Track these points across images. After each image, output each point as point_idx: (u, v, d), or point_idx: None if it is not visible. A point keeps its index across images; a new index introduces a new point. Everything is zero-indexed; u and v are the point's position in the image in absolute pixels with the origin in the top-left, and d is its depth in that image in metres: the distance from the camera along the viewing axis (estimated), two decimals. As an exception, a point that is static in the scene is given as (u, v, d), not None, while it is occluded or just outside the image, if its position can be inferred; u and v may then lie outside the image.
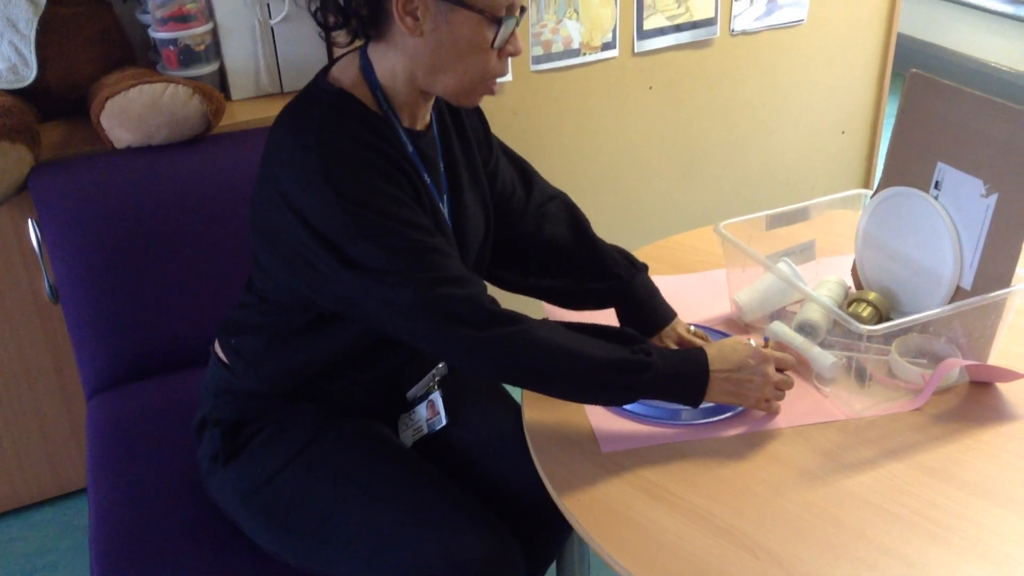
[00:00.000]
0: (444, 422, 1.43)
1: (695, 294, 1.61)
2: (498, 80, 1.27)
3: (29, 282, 1.94)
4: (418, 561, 1.24)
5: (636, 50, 2.45)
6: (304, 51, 2.11)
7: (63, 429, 2.10)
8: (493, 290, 1.30)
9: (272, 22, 2.07)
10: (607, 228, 2.14)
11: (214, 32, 2.04)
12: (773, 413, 1.33)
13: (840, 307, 1.47)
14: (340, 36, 1.27)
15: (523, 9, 1.24)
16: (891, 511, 1.16)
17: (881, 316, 1.44)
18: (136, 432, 1.61)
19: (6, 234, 1.87)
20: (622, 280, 1.47)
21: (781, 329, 1.41)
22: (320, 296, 1.26)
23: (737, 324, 1.55)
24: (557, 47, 2.34)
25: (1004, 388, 1.38)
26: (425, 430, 1.44)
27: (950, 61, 4.43)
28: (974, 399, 1.36)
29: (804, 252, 1.56)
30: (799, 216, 1.57)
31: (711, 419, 1.32)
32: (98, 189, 1.71)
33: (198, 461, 1.43)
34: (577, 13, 2.33)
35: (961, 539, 1.12)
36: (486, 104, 1.39)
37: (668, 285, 1.54)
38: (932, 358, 1.39)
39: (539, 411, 1.35)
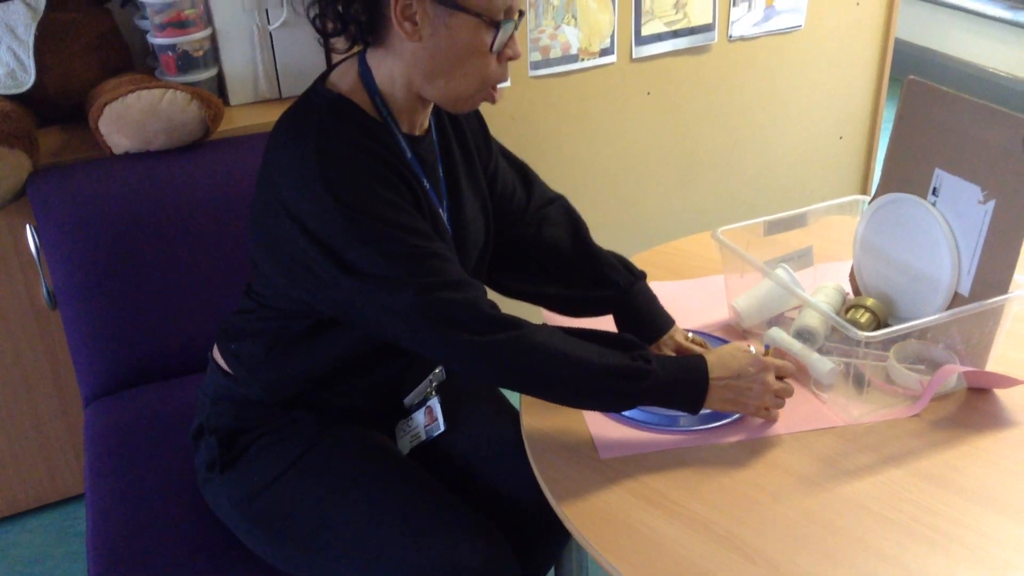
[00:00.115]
0: (442, 428, 1.43)
1: (693, 300, 1.61)
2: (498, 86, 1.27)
3: (27, 288, 1.93)
4: (414, 570, 1.24)
5: (634, 56, 2.45)
6: (303, 57, 2.11)
7: (61, 435, 2.09)
8: (492, 295, 1.30)
9: (271, 28, 2.07)
10: (605, 233, 2.14)
11: (212, 38, 2.04)
12: (771, 420, 1.33)
13: (838, 313, 1.47)
14: (339, 42, 1.27)
15: (521, 13, 1.24)
16: (889, 517, 1.16)
17: (879, 322, 1.44)
18: (134, 438, 1.61)
19: (4, 240, 1.87)
20: (621, 288, 1.46)
21: (779, 335, 1.41)
22: (319, 302, 1.26)
23: (735, 330, 1.55)
24: (555, 52, 2.34)
25: (1002, 394, 1.38)
26: (423, 436, 1.44)
27: (947, 66, 4.43)
28: (972, 405, 1.36)
29: (802, 258, 1.56)
30: (797, 222, 1.57)
31: (710, 425, 1.32)
32: (96, 195, 1.71)
33: (195, 468, 1.43)
34: (575, 19, 2.33)
35: (959, 545, 1.12)
36: (485, 109, 1.39)
37: (666, 291, 1.54)
38: (930, 364, 1.39)
39: (538, 417, 1.35)
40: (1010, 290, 1.33)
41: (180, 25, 1.97)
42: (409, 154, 1.28)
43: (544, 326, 1.24)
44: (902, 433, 1.31)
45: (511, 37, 1.23)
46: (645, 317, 1.46)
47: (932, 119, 1.41)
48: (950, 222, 1.39)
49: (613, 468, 1.26)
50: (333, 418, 1.39)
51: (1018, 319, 1.50)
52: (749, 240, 1.52)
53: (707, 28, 2.52)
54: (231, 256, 1.77)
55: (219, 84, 2.10)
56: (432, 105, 1.32)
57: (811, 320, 1.44)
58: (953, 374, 1.35)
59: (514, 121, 2.38)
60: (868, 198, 1.54)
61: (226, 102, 2.10)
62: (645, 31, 2.44)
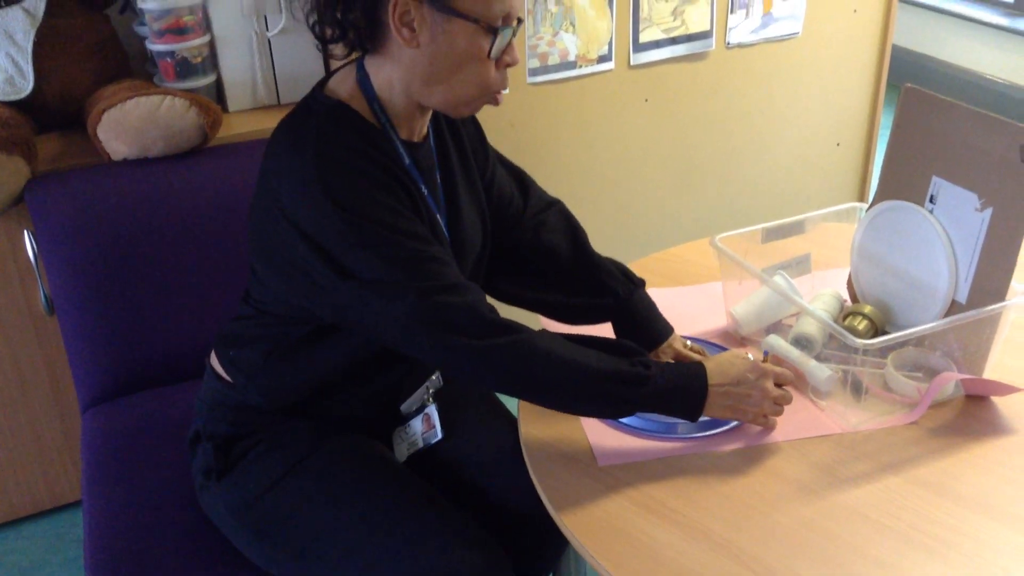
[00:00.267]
0: (440, 436, 1.43)
1: (691, 307, 1.61)
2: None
3: (25, 294, 1.93)
4: (410, 578, 1.24)
5: (632, 62, 2.46)
6: (301, 63, 2.11)
7: (57, 441, 2.09)
8: (491, 302, 1.30)
9: (269, 34, 2.07)
10: (603, 240, 2.14)
11: (211, 44, 2.04)
12: (770, 428, 1.33)
13: (836, 320, 1.47)
14: (337, 49, 1.27)
15: (520, 20, 1.24)
16: (887, 525, 1.16)
17: (877, 329, 1.44)
18: (131, 445, 1.60)
19: (2, 246, 1.87)
20: (620, 297, 1.46)
21: (777, 342, 1.41)
22: (318, 307, 1.26)
23: (733, 337, 1.55)
24: (553, 59, 2.35)
25: (1000, 402, 1.38)
26: (420, 444, 1.44)
27: (945, 73, 4.44)
28: (970, 413, 1.36)
29: (800, 265, 1.56)
30: (795, 229, 1.57)
31: (708, 433, 1.32)
32: (94, 201, 1.71)
33: (192, 475, 1.43)
34: (573, 26, 2.34)
35: (957, 553, 1.12)
36: (482, 115, 1.40)
37: (664, 298, 1.54)
38: (928, 372, 1.39)
39: (536, 425, 1.35)
40: (1007, 298, 1.34)
41: (179, 32, 1.97)
42: (407, 160, 1.28)
43: (544, 331, 1.24)
44: (900, 440, 1.31)
45: (509, 44, 1.23)
46: (644, 325, 1.46)
47: (929, 127, 1.41)
48: (947, 229, 1.39)
49: (611, 476, 1.25)
50: (330, 425, 1.39)
51: (1016, 326, 1.50)
52: (747, 247, 1.52)
53: (705, 35, 2.52)
54: (229, 262, 1.77)
55: (218, 90, 2.10)
56: (431, 112, 1.33)
57: (809, 327, 1.44)
58: (951, 381, 1.35)
59: (512, 128, 2.38)
60: (865, 205, 1.54)
61: (225, 108, 2.10)
62: (643, 38, 2.44)
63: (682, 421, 1.31)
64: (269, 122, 1.98)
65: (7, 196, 1.76)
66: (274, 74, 2.11)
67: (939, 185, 1.40)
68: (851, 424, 1.33)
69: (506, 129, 2.37)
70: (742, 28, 2.57)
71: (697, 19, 2.49)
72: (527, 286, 1.51)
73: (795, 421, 1.34)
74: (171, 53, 1.98)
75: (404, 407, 1.46)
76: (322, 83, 1.30)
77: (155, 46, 1.98)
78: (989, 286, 1.34)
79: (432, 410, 1.45)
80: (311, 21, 1.28)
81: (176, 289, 1.75)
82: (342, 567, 1.28)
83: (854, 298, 1.55)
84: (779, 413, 1.32)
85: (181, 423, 1.53)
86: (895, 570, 1.10)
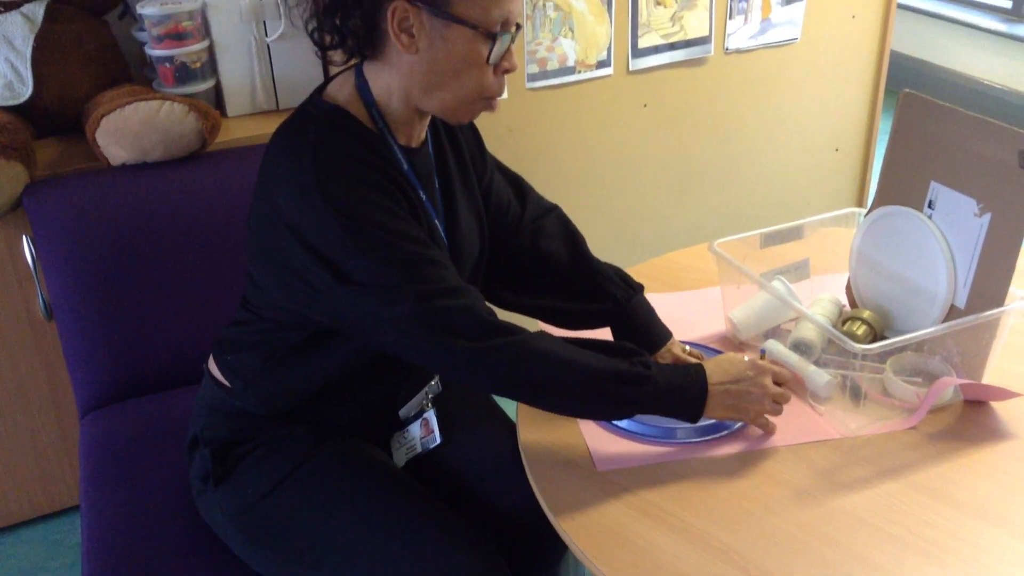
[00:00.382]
0: (438, 440, 1.43)
1: (689, 312, 1.61)
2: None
3: (23, 299, 1.93)
4: (408, 582, 1.24)
5: (631, 68, 2.46)
6: (300, 69, 2.12)
7: (56, 446, 2.09)
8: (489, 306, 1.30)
9: (268, 40, 2.07)
10: (601, 245, 2.14)
11: (210, 49, 2.05)
12: (769, 432, 1.32)
13: (834, 325, 1.47)
14: (336, 55, 1.27)
15: (518, 26, 1.24)
16: (885, 530, 1.16)
17: (875, 335, 1.44)
18: (130, 450, 1.60)
19: (1, 251, 1.87)
20: (618, 302, 1.46)
21: (776, 347, 1.41)
22: (316, 312, 1.26)
23: (731, 342, 1.55)
24: (552, 65, 2.35)
25: (999, 407, 1.38)
26: (419, 449, 1.44)
27: (943, 79, 4.45)
28: (969, 418, 1.36)
29: (798, 270, 1.56)
30: (793, 234, 1.57)
31: (706, 437, 1.32)
32: (93, 206, 1.71)
33: (190, 480, 1.43)
34: (572, 31, 2.34)
35: (955, 558, 1.12)
36: (481, 121, 1.40)
37: (662, 303, 1.54)
38: (927, 377, 1.39)
39: (534, 430, 1.35)
40: (1006, 302, 1.34)
41: (178, 37, 1.97)
42: (405, 166, 1.28)
43: (542, 333, 1.24)
44: (899, 446, 1.30)
45: (508, 49, 1.24)
46: (643, 330, 1.46)
47: (928, 132, 1.41)
48: (946, 235, 1.39)
49: (610, 481, 1.25)
50: (329, 430, 1.39)
51: (1014, 331, 1.50)
52: (746, 252, 1.52)
53: (703, 41, 2.52)
54: (228, 267, 1.77)
55: (216, 96, 2.10)
56: (429, 117, 1.33)
57: (808, 332, 1.44)
58: (950, 386, 1.35)
59: (511, 133, 2.38)
60: (864, 210, 1.54)
61: (223, 114, 2.10)
62: (642, 43, 2.44)
63: (681, 426, 1.31)
64: (268, 127, 1.98)
65: (6, 201, 1.76)
66: (273, 79, 2.11)
67: (938, 190, 1.40)
68: (850, 429, 1.33)
69: (504, 134, 2.37)
70: (741, 34, 2.57)
71: (696, 25, 2.49)
72: (526, 292, 1.51)
73: (794, 426, 1.34)
74: (170, 58, 1.98)
75: (403, 412, 1.46)
76: (320, 89, 1.30)
77: (154, 51, 1.98)
78: (988, 291, 1.34)
79: (431, 415, 1.44)
80: (310, 28, 1.28)
81: (175, 294, 1.75)
82: (340, 572, 1.28)
83: (853, 303, 1.55)
84: (778, 412, 1.32)
85: (179, 429, 1.53)
86: (893, 575, 1.10)
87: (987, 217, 1.33)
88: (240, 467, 1.36)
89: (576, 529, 1.18)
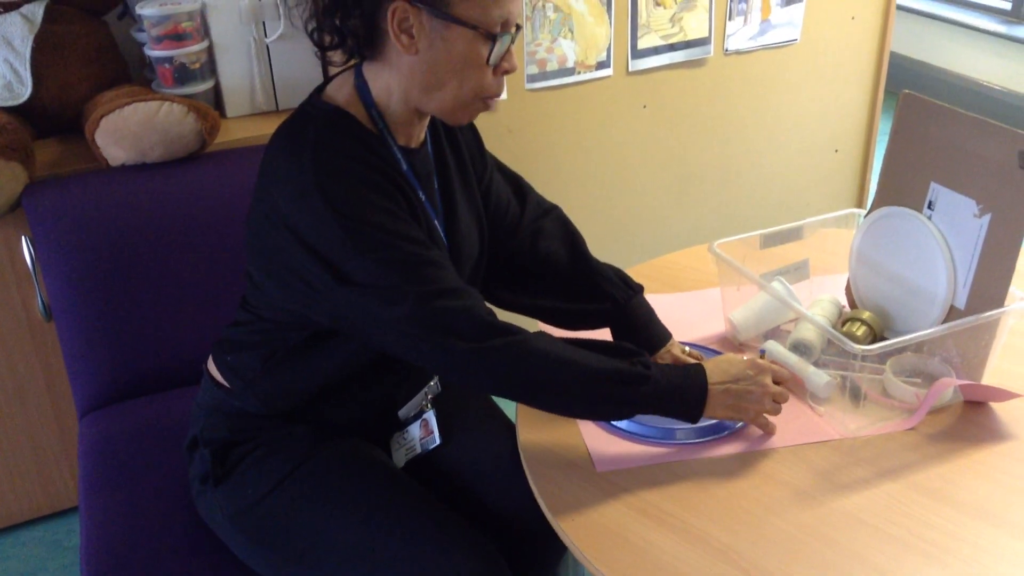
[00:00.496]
0: (438, 441, 1.43)
1: (689, 313, 1.61)
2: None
3: (22, 300, 1.93)
4: (408, 583, 1.24)
5: (630, 69, 2.46)
6: (299, 69, 2.12)
7: (55, 447, 2.09)
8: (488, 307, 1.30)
9: (268, 40, 2.07)
10: (601, 246, 2.14)
11: (209, 50, 2.05)
12: (769, 432, 1.32)
13: (834, 326, 1.47)
14: (336, 55, 1.27)
15: (518, 27, 1.24)
16: (885, 531, 1.16)
17: (875, 335, 1.44)
18: (129, 451, 1.60)
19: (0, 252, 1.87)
20: (618, 303, 1.46)
21: (776, 348, 1.41)
22: (316, 312, 1.26)
23: (731, 343, 1.55)
24: (552, 65, 2.35)
25: (998, 408, 1.38)
26: (418, 449, 1.44)
27: (943, 80, 4.45)
28: (968, 419, 1.36)
29: (798, 271, 1.56)
30: (793, 235, 1.57)
31: (706, 438, 1.32)
32: (92, 207, 1.71)
33: (189, 481, 1.43)
34: (572, 32, 2.34)
35: (955, 559, 1.12)
36: (480, 121, 1.40)
37: (662, 304, 1.54)
38: (926, 377, 1.39)
39: (534, 430, 1.35)
40: (1006, 303, 1.34)
41: (177, 38, 1.97)
42: (405, 166, 1.28)
43: (541, 333, 1.24)
44: (898, 446, 1.30)
45: (507, 50, 1.24)
46: (642, 331, 1.46)
47: (927, 133, 1.41)
48: (946, 235, 1.39)
49: (609, 481, 1.25)
50: (328, 431, 1.39)
51: (1014, 332, 1.50)
52: (745, 253, 1.52)
53: (703, 42, 2.52)
54: (227, 268, 1.77)
55: (216, 96, 2.10)
56: (428, 118, 1.33)
57: (807, 333, 1.44)
58: (949, 387, 1.35)
59: (510, 134, 2.38)
60: (864, 211, 1.54)
61: (223, 114, 2.10)
62: (641, 44, 2.44)
63: (680, 426, 1.31)
64: (267, 128, 1.97)
65: (5, 202, 1.76)
66: (272, 80, 2.11)
67: (937, 191, 1.40)
68: (850, 430, 1.33)
69: (504, 135, 2.37)
70: (740, 35, 2.57)
71: (695, 26, 2.49)
72: (525, 292, 1.51)
73: (794, 427, 1.34)
74: (169, 59, 1.98)
75: (402, 413, 1.46)
76: (320, 89, 1.30)
77: (153, 52, 1.98)
78: (988, 292, 1.34)
79: (430, 416, 1.44)
80: (310, 28, 1.28)
81: (174, 295, 1.75)
82: (340, 572, 1.28)
83: (852, 304, 1.55)
84: (778, 412, 1.32)
85: (178, 429, 1.53)
86: (893, 575, 1.10)
87: (987, 218, 1.33)
88: (240, 467, 1.36)
89: (576, 529, 1.18)
